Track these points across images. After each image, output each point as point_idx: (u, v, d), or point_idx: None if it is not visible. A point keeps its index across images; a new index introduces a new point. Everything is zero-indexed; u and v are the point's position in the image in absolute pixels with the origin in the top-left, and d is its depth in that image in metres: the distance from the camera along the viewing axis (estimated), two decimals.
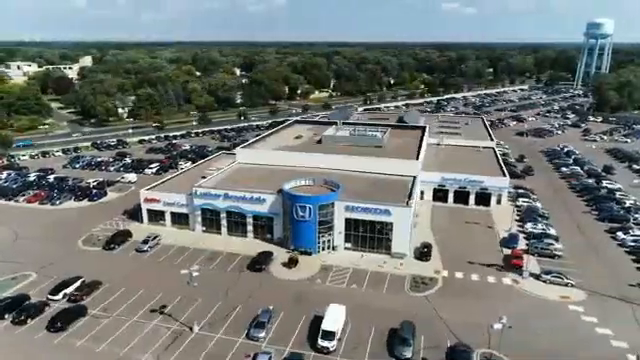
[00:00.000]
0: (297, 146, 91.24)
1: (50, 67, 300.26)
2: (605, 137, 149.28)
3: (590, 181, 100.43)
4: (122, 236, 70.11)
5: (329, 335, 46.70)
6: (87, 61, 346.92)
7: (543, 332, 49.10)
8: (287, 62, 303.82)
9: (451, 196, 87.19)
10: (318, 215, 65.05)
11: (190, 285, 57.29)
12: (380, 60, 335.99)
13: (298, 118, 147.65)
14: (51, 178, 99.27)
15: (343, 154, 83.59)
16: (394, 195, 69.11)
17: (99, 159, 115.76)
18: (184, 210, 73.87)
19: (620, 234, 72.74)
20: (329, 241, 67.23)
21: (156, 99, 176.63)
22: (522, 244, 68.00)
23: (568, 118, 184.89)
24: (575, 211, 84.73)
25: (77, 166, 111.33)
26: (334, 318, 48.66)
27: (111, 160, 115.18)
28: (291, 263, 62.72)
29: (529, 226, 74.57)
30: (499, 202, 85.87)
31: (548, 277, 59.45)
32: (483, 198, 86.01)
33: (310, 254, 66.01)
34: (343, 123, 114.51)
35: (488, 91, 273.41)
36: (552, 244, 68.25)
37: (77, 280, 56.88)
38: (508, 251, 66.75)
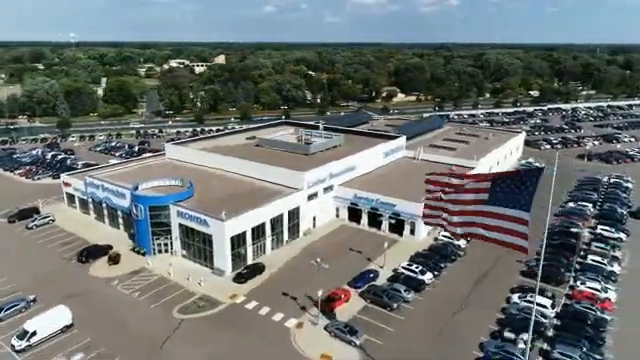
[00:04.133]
0: (220, 148, 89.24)
1: (183, 64, 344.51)
2: None
3: (581, 233, 76.30)
4: (28, 212, 79.22)
5: (25, 334, 46.60)
6: (220, 59, 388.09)
7: None
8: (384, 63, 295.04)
9: (365, 217, 76.25)
10: (150, 216, 64.21)
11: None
12: (500, 62, 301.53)
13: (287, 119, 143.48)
14: (58, 157, 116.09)
15: (248, 159, 79.46)
16: (245, 205, 63.83)
17: (117, 145, 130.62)
18: (84, 197, 79.88)
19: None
20: (166, 245, 65.76)
21: (220, 95, 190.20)
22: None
23: None
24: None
25: (97, 150, 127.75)
26: (47, 319, 48.26)
27: (126, 147, 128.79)
28: (110, 260, 63.23)
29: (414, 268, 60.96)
30: (412, 232, 71.94)
31: (333, 328, 48.62)
32: (397, 225, 73.18)
33: (144, 254, 65.51)
34: (324, 128, 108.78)
35: (619, 102, 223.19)
36: (400, 294, 54.89)
37: None
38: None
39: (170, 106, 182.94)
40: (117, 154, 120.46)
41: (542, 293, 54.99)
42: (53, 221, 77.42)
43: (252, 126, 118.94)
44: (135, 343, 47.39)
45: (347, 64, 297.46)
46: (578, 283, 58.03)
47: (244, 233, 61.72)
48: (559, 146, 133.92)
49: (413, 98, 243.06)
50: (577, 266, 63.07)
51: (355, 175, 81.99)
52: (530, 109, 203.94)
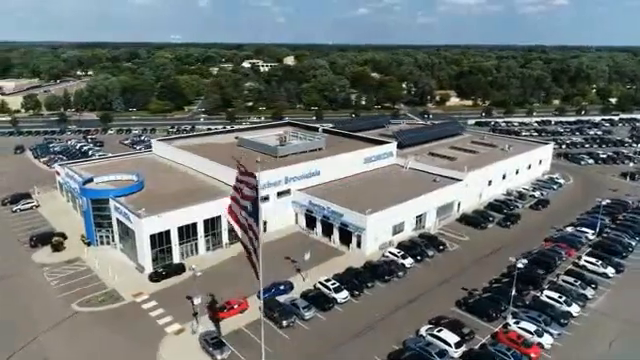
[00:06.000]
0: (200, 146, 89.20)
1: (253, 64, 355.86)
2: None
3: (515, 262, 65.38)
4: (20, 197, 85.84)
5: None
6: (290, 60, 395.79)
7: None
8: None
9: (319, 226, 72.21)
10: (92, 208, 66.34)
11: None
12: (581, 66, 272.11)
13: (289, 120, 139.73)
14: (83, 148, 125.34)
15: (208, 158, 78.75)
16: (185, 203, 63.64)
17: (142, 140, 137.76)
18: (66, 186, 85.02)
19: None
20: (107, 237, 67.53)
21: (262, 94, 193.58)
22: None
23: None
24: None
25: (125, 143, 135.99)
26: None
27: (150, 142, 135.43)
28: (52, 247, 66.28)
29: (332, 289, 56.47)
30: (359, 245, 66.58)
31: (202, 339, 46.11)
32: (346, 236, 68.30)
33: (89, 244, 67.87)
34: (323, 130, 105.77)
35: None
36: (298, 311, 50.87)
37: None
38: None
39: (214, 104, 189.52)
40: (138, 147, 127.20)
41: (457, 328, 47.92)
42: (37, 207, 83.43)
43: (254, 126, 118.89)
44: (16, 330, 48.84)
45: (407, 65, 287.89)
46: (511, 321, 49.62)
47: (168, 232, 61.38)
48: (602, 162, 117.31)
49: (470, 102, 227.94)
50: (527, 301, 54.17)
51: (322, 181, 78.16)
52: (597, 118, 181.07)
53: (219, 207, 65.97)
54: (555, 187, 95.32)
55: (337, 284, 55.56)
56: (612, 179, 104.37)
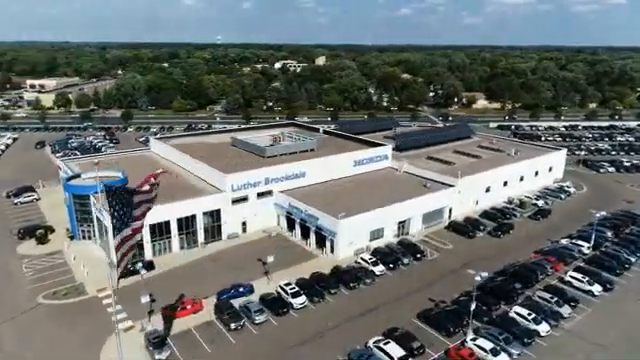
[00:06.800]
0: (192, 145, 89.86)
1: (285, 64, 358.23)
2: None
3: (475, 276, 61.10)
4: (24, 190, 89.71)
5: None
6: (321, 61, 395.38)
7: None
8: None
9: (297, 228, 71.11)
10: (74, 203, 68.20)
11: None
12: (627, 67, 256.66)
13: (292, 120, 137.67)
14: (98, 145, 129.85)
15: (195, 157, 79.30)
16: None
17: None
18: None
19: None
20: (89, 232, 69.20)
21: (281, 94, 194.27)
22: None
23: None
24: None
25: (140, 140, 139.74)
26: None
27: None
28: (37, 239, 68.55)
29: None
30: (332, 250, 64.95)
31: (146, 337, 46.13)
32: (321, 240, 66.84)
33: (72, 238, 69.85)
34: (324, 132, 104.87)
35: None
36: (249, 314, 50.11)
37: None
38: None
39: (236, 104, 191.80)
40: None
41: (408, 342, 45.64)
42: (37, 200, 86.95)
43: (259, 125, 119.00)
44: None
45: (440, 66, 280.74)
46: (469, 338, 46.78)
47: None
48: (624, 171, 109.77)
49: (498, 105, 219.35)
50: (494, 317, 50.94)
51: (307, 183, 77.00)
52: (633, 124, 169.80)
53: (193, 206, 66.56)
54: (563, 196, 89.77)
55: (296, 289, 54.34)
56: (630, 189, 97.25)
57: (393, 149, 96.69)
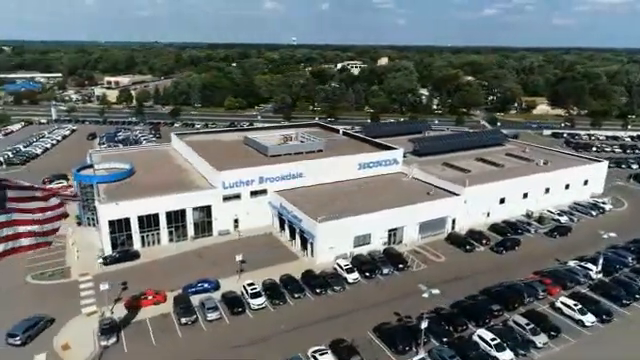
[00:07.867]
0: (206, 142, 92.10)
1: (348, 65, 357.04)
2: None
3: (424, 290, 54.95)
4: (58, 177, 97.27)
5: None
6: (384, 61, 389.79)
7: None
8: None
9: (287, 228, 70.45)
10: (80, 191, 72.75)
11: None
12: None
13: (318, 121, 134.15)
14: (140, 138, 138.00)
15: (199, 153, 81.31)
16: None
17: None
18: None
19: None
20: (93, 219, 73.41)
21: (327, 94, 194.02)
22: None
23: None
24: None
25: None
26: None
27: None
28: None
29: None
30: (312, 253, 63.46)
31: (100, 324, 48.02)
32: (304, 242, 65.66)
33: (80, 224, 74.65)
34: (343, 133, 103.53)
35: None
36: (203, 310, 50.34)
37: None
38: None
39: (283, 103, 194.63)
40: None
41: (348, 356, 43.51)
42: (68, 187, 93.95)
43: (284, 124, 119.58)
44: None
45: (507, 68, 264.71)
46: (416, 358, 43.53)
47: (128, 220, 64.89)
48: None
49: (561, 111, 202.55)
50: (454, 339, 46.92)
51: (306, 184, 76.13)
52: None
53: (182, 201, 68.31)
54: (594, 213, 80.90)
55: (257, 289, 53.91)
56: None
57: (411, 153, 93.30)
